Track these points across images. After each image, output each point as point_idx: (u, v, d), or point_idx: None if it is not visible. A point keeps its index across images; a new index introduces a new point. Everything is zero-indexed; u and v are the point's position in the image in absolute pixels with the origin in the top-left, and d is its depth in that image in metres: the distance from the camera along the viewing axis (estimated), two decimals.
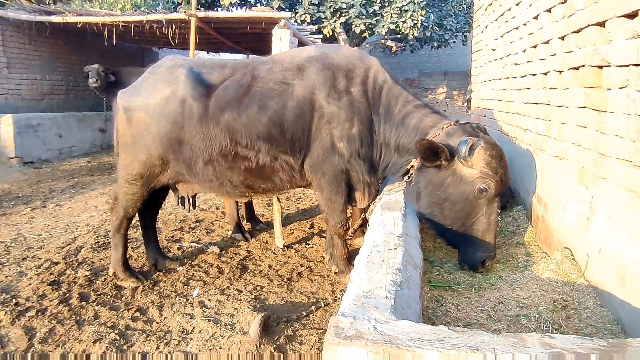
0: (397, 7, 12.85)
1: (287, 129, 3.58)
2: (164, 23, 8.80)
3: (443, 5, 16.54)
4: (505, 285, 2.78)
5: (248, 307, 3.45)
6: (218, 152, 3.62)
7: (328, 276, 4.09)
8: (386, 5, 13.04)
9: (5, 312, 3.43)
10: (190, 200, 4.21)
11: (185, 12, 8.68)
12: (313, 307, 3.47)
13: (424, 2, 13.12)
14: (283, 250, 4.71)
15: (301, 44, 9.93)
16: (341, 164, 3.60)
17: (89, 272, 4.17)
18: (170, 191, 4.25)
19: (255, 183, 3.78)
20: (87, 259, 4.47)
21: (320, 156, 3.62)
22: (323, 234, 5.22)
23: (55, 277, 4.05)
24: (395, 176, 3.72)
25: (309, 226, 5.54)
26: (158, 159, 3.72)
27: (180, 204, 4.24)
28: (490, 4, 5.90)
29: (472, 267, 3.13)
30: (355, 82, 3.62)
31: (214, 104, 3.59)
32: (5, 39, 9.81)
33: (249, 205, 5.56)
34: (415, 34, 13.45)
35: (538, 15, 3.74)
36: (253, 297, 3.70)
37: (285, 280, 4.03)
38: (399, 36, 15.42)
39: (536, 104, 3.77)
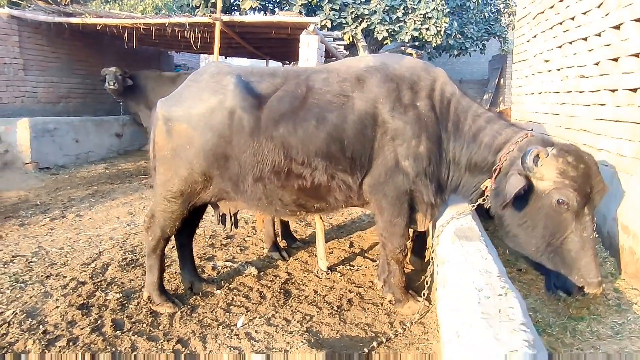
0: (420, 14, 12.56)
1: (347, 146, 3.25)
2: (187, 27, 8.50)
3: (464, 13, 16.26)
4: (610, 331, 2.43)
5: (302, 342, 3.11)
6: (270, 169, 3.30)
7: (382, 304, 3.74)
8: (409, 12, 12.74)
9: (34, 341, 3.11)
10: (232, 219, 3.88)
11: (210, 15, 8.39)
12: (374, 343, 3.12)
13: (447, 10, 12.81)
14: (327, 273, 4.36)
15: (327, 50, 9.64)
16: (406, 185, 3.27)
17: (120, 294, 3.83)
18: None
19: (309, 202, 3.45)
20: (115, 279, 4.15)
21: (382, 175, 3.29)
22: (366, 255, 4.88)
23: (84, 299, 3.73)
24: (469, 198, 3.38)
25: (348, 245, 5.20)
26: (201, 175, 3.40)
27: (220, 222, 3.92)
28: (542, 12, 5.57)
29: (567, 292, 2.77)
30: (421, 95, 3.30)
31: (267, 116, 3.27)
32: (23, 40, 9.53)
33: (285, 222, 5.23)
34: (438, 42, 13.15)
35: (621, 25, 3.41)
36: (304, 329, 3.35)
37: (336, 308, 3.68)
38: (417, 43, 15.17)
39: (618, 121, 3.43)
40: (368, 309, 3.68)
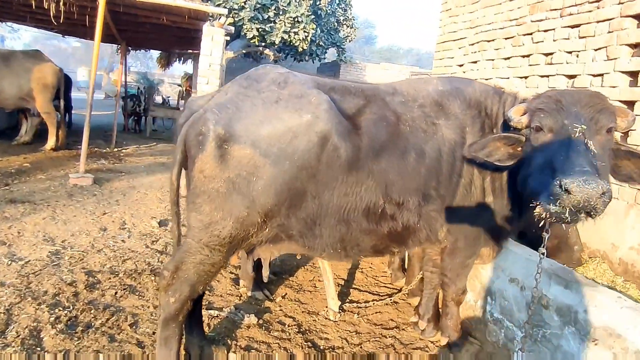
0: (290, 17, 12.30)
1: (441, 181, 2.86)
2: None
3: (317, 21, 16.60)
4: None
5: None
6: (362, 211, 2.69)
7: (428, 347, 3.43)
8: (280, 13, 12.37)
9: None
10: (269, 265, 3.08)
11: None
12: None
13: (313, 16, 12.86)
14: (339, 314, 3.83)
15: None
16: (488, 222, 3.03)
17: None
18: None
19: (388, 247, 2.95)
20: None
21: (466, 214, 2.98)
22: (362, 289, 4.45)
23: None
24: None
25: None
26: (262, 216, 2.58)
27: (252, 271, 3.08)
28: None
29: None
30: (498, 123, 3.10)
31: (367, 146, 2.65)
32: None
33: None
34: (305, 47, 13.10)
35: None
36: None
37: None
38: (264, 44, 14.84)
39: None
40: (420, 356, 3.33)
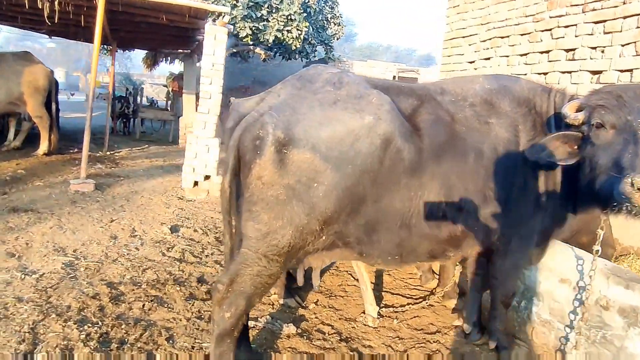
0: (283, 15, 12.12)
1: (498, 182, 2.77)
2: None
3: (308, 18, 16.43)
4: None
5: None
6: (424, 215, 2.58)
7: (472, 352, 3.35)
8: (273, 11, 12.17)
9: None
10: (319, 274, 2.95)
11: None
12: None
13: (305, 14, 12.71)
14: (378, 320, 3.71)
15: None
16: (543, 223, 2.96)
17: None
18: None
19: (445, 251, 2.84)
20: None
21: (521, 215, 2.90)
22: (389, 290, 4.35)
23: None
24: None
25: (348, 278, 4.57)
26: (322, 223, 2.45)
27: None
28: None
29: None
30: (551, 121, 3.02)
31: (429, 147, 2.54)
32: None
33: None
34: (298, 45, 12.94)
35: None
36: None
37: None
38: (253, 43, 14.63)
39: None
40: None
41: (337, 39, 19.90)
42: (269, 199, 2.36)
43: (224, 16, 6.89)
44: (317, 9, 16.79)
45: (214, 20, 7.26)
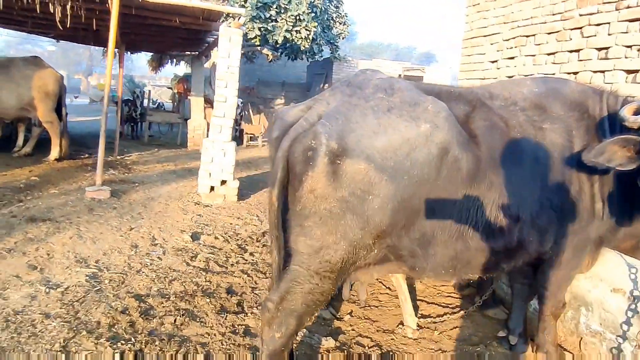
0: (292, 16, 11.99)
1: (553, 190, 2.65)
2: (81, 1, 6.19)
3: (315, 18, 16.30)
4: None
5: None
6: (481, 226, 2.46)
7: None
8: (282, 12, 12.04)
9: None
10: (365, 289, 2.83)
11: None
12: None
13: (313, 14, 12.58)
14: (418, 331, 3.59)
15: None
16: (597, 231, 2.84)
17: None
18: None
19: (499, 263, 2.72)
20: None
21: (576, 223, 2.78)
22: (423, 299, 4.22)
23: None
24: None
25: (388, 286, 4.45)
26: (375, 237, 2.33)
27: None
28: None
29: None
30: (604, 125, 2.90)
31: (487, 156, 2.42)
32: None
33: None
34: (307, 46, 12.82)
35: None
36: None
37: None
38: (261, 44, 14.50)
39: None
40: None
41: (343, 38, 19.76)
42: (322, 212, 2.24)
43: (239, 18, 6.77)
44: (322, 8, 16.67)
45: (226, 21, 7.12)
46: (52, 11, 6.53)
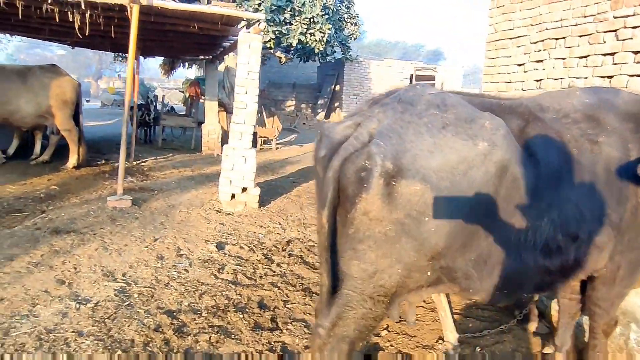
0: (306, 18, 11.90)
1: (612, 206, 2.53)
2: (100, 9, 6.15)
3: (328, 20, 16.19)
4: None
5: None
6: (539, 246, 2.35)
7: None
8: (296, 14, 11.95)
9: None
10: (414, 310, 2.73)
11: None
12: None
13: (327, 16, 12.48)
14: (460, 347, 3.49)
15: None
16: None
17: None
18: None
19: (555, 282, 2.61)
20: None
21: (632, 239, 2.66)
22: (459, 312, 4.11)
23: None
24: None
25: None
26: (430, 259, 2.24)
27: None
28: None
29: None
30: None
31: (546, 174, 2.31)
32: None
33: None
34: (321, 48, 12.73)
35: None
36: None
37: None
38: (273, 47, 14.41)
39: None
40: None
41: (354, 39, 19.66)
42: (376, 235, 2.15)
43: (259, 23, 6.69)
44: (334, 9, 16.57)
45: (245, 26, 7.05)
46: (71, 20, 6.48)
